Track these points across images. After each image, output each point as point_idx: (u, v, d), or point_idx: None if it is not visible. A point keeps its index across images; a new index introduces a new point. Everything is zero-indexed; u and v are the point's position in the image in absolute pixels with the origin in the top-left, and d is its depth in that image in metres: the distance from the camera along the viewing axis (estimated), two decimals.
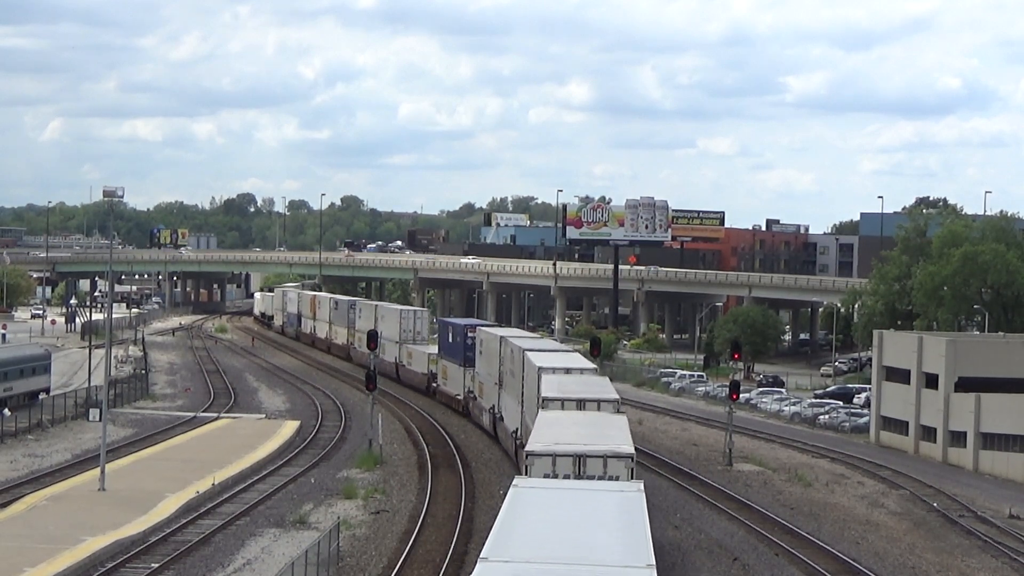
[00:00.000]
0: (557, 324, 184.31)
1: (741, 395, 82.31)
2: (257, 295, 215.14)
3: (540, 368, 57.48)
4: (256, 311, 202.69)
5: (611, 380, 65.30)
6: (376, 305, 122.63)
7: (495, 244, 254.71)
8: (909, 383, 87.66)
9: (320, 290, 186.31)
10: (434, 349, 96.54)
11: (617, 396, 52.98)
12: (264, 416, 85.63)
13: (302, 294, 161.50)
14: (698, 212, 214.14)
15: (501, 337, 71.62)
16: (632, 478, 38.33)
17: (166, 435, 74.70)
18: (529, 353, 62.10)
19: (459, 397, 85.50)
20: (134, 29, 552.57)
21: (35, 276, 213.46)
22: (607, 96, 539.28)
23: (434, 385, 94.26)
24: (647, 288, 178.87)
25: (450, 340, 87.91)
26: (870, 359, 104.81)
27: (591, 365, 64.04)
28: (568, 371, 59.73)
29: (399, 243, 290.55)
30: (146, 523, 48.47)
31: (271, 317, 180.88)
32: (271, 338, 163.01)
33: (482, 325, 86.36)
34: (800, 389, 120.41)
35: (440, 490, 58.77)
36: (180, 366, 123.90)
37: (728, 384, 79.94)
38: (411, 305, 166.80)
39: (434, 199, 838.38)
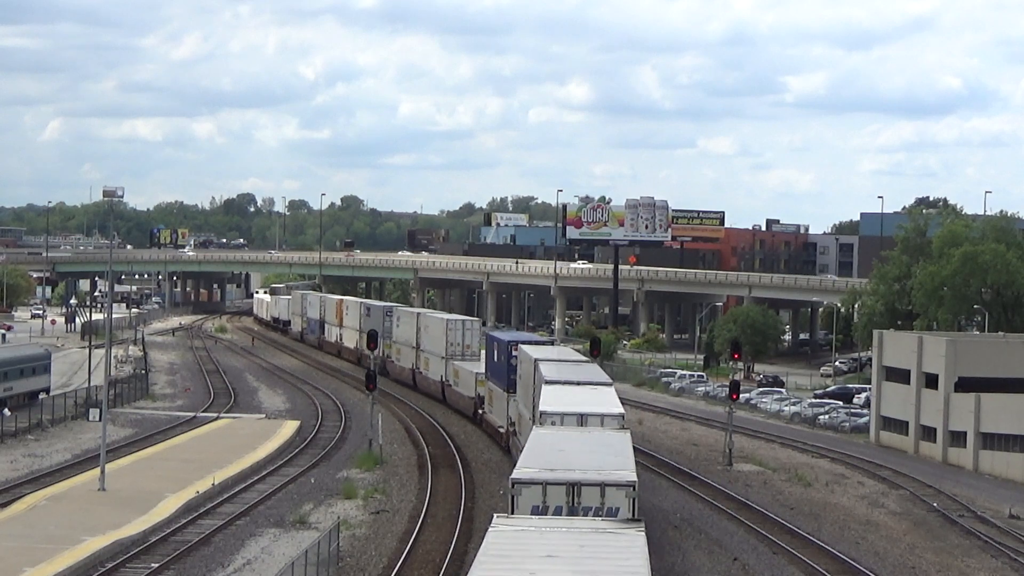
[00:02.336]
0: (557, 324, 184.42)
1: (741, 395, 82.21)
2: (266, 298, 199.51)
3: (542, 413, 45.98)
4: (265, 314, 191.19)
5: (611, 380, 63.12)
6: (418, 313, 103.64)
7: (495, 244, 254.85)
8: (909, 383, 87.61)
9: (320, 290, 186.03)
10: (483, 367, 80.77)
11: (634, 477, 34.60)
12: (264, 416, 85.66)
13: (325, 298, 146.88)
14: (698, 212, 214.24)
15: (535, 359, 58.19)
16: None
17: (166, 435, 74.69)
18: (547, 388, 51.02)
19: (502, 429, 70.31)
20: (134, 29, 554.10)
21: (35, 276, 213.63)
22: (607, 96, 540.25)
23: (480, 411, 79.04)
24: (647, 288, 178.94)
25: (495, 359, 73.79)
26: (870, 359, 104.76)
27: (617, 410, 47.50)
28: (582, 419, 45.44)
29: (240, 241, 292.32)
30: (146, 523, 48.45)
31: (287, 322, 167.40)
32: (288, 345, 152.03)
33: (525, 341, 70.95)
34: (800, 389, 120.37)
35: (440, 490, 58.75)
36: (180, 366, 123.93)
37: (728, 384, 79.87)
38: (411, 305, 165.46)
39: (434, 199, 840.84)
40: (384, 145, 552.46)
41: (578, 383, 53.77)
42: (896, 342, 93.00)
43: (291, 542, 46.76)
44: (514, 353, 67.01)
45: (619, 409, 47.69)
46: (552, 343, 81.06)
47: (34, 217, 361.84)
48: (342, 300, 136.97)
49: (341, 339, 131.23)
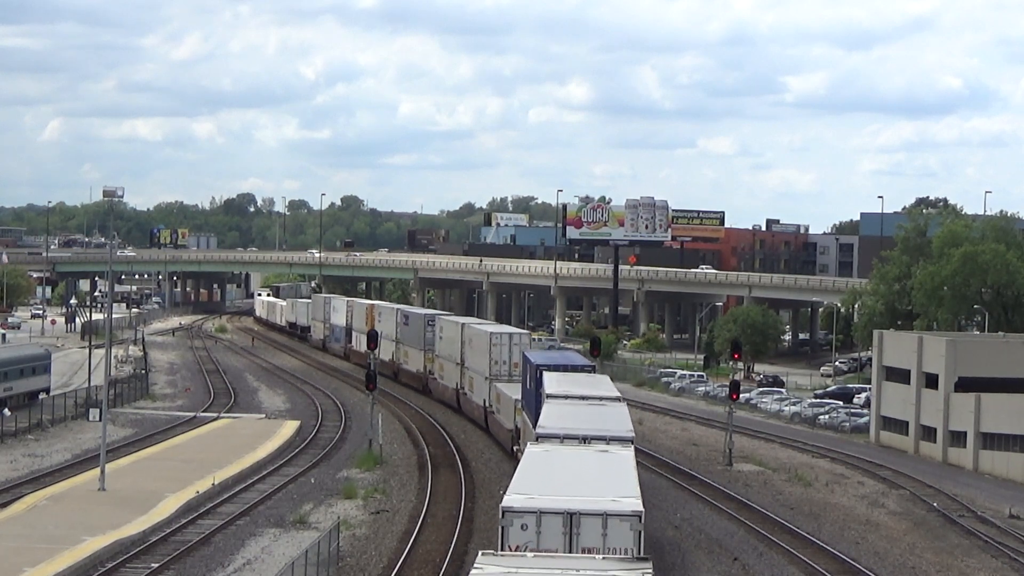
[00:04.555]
0: (557, 324, 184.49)
1: (741, 395, 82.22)
2: (280, 301, 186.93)
3: (504, 511, 30.22)
4: (279, 319, 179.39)
5: (612, 380, 62.14)
6: (463, 324, 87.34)
7: (495, 244, 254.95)
8: (909, 383, 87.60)
9: (320, 290, 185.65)
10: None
11: None
12: (264, 416, 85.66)
13: (353, 303, 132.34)
14: (698, 212, 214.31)
15: (547, 395, 49.74)
16: None
17: (166, 435, 74.70)
18: (532, 451, 38.20)
19: None
20: (134, 29, 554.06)
21: (35, 276, 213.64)
22: (607, 96, 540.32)
23: (516, 448, 64.16)
24: (647, 288, 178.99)
25: (527, 384, 62.33)
26: (870, 359, 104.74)
27: (631, 506, 30.76)
28: (571, 522, 29.90)
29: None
30: (146, 523, 48.45)
31: (306, 329, 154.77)
32: (299, 349, 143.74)
33: (556, 366, 60.49)
34: (800, 389, 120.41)
35: (440, 490, 58.74)
36: (180, 366, 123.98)
37: (728, 384, 79.87)
38: (412, 305, 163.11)
39: (434, 199, 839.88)
40: (384, 145, 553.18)
41: (583, 438, 39.73)
42: (896, 342, 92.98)
43: (291, 542, 46.76)
44: (542, 379, 55.56)
45: (635, 504, 30.66)
46: (592, 369, 65.11)
47: (34, 217, 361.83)
48: (373, 306, 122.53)
49: None
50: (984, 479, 77.02)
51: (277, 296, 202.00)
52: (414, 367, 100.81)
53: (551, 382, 52.53)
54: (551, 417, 43.21)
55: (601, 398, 50.53)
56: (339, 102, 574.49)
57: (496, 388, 73.28)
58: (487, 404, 76.09)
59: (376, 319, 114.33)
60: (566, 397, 49.32)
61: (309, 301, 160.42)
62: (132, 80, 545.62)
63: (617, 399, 51.38)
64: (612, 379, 65.82)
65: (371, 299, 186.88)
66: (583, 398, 49.94)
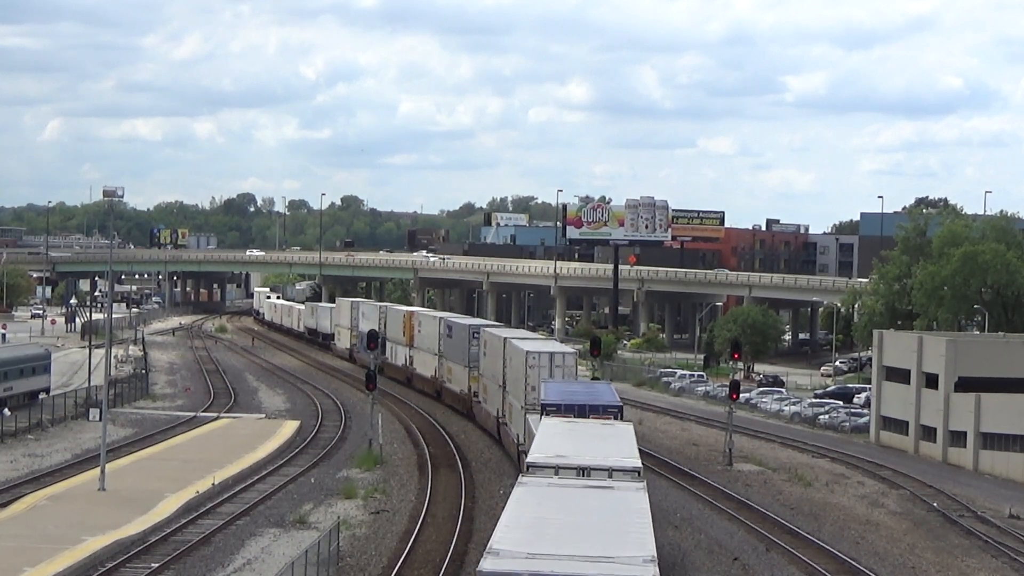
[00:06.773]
0: (557, 324, 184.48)
1: (741, 395, 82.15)
2: (299, 307, 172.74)
3: None
4: (296, 324, 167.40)
5: (611, 380, 61.79)
6: (505, 339, 72.55)
7: (495, 244, 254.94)
8: (909, 383, 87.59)
9: (320, 290, 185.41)
10: None
11: None
12: (264, 416, 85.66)
13: (388, 309, 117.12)
14: (698, 212, 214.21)
15: (528, 465, 37.78)
16: None
17: (166, 435, 74.71)
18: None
19: None
20: (134, 29, 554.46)
21: (35, 276, 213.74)
22: (607, 96, 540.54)
23: None
24: (647, 288, 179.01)
25: None
26: (870, 359, 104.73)
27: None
28: None
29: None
30: (146, 523, 48.44)
31: (330, 336, 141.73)
32: (342, 368, 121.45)
33: (560, 407, 52.99)
34: (800, 389, 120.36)
35: (440, 490, 58.73)
36: (180, 366, 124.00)
37: (728, 384, 79.81)
38: (412, 305, 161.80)
39: (434, 199, 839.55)
40: (384, 145, 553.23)
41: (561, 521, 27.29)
42: (896, 342, 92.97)
43: (291, 542, 46.75)
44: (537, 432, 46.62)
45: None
46: (617, 412, 53.86)
47: (34, 217, 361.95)
48: (413, 313, 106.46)
49: (411, 363, 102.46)
50: (984, 479, 77.01)
51: (309, 303, 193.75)
52: (458, 387, 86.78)
53: (541, 440, 38.10)
54: (514, 530, 26.61)
55: (610, 471, 34.91)
56: (339, 102, 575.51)
57: (528, 422, 57.63)
58: (519, 440, 61.14)
59: (416, 328, 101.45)
60: (556, 468, 34.70)
61: (333, 306, 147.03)
62: (132, 80, 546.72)
63: (634, 474, 35.40)
64: (611, 379, 64.86)
65: (371, 299, 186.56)
66: (581, 471, 34.70)
